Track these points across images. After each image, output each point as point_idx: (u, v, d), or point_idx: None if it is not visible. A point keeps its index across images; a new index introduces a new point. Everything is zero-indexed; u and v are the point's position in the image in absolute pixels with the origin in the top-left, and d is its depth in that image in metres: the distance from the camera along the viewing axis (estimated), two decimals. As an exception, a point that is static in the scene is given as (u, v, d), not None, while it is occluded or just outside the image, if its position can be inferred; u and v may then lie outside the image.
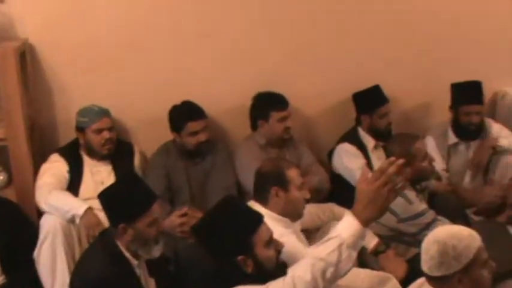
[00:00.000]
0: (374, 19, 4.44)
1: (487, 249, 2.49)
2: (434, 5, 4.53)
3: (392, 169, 2.29)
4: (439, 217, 3.54)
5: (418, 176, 3.64)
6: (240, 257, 2.47)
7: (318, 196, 3.92)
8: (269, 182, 3.12)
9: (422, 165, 3.64)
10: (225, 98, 4.27)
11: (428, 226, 3.46)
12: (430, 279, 2.45)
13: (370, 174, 2.35)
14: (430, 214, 3.52)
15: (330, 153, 4.33)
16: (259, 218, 2.60)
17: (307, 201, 3.24)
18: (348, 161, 4.15)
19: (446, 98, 4.41)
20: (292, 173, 3.14)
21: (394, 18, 4.47)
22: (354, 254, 2.34)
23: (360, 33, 4.45)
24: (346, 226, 2.33)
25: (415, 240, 3.47)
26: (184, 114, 4.00)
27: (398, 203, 3.48)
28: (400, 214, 3.52)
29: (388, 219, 3.52)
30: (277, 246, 2.58)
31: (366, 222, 2.33)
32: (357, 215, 2.32)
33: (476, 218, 4.00)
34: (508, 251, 2.87)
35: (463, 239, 2.40)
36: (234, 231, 2.50)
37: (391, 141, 3.82)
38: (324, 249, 2.31)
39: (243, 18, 4.23)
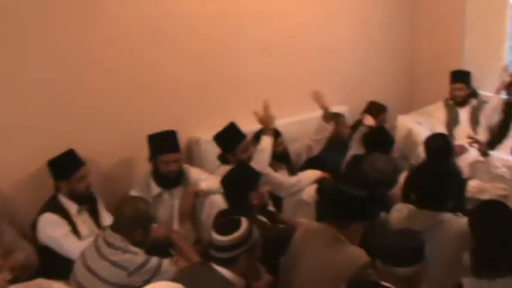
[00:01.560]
0: (61, 84, 4.42)
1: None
2: (114, 65, 4.66)
3: None
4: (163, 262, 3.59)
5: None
6: None
7: (27, 272, 3.75)
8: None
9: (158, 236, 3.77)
10: None
11: (156, 271, 3.50)
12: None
13: None
14: (153, 260, 3.56)
15: (34, 225, 4.16)
16: None
17: (12, 281, 3.13)
18: (52, 230, 4.05)
19: (144, 150, 4.50)
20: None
21: (80, 83, 4.50)
22: None
23: (52, 98, 4.39)
24: None
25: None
26: None
27: (125, 259, 3.49)
28: (129, 267, 3.50)
29: (118, 275, 3.49)
30: None
31: None
32: None
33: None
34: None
35: None
36: None
37: (125, 203, 3.74)
38: None
39: None
